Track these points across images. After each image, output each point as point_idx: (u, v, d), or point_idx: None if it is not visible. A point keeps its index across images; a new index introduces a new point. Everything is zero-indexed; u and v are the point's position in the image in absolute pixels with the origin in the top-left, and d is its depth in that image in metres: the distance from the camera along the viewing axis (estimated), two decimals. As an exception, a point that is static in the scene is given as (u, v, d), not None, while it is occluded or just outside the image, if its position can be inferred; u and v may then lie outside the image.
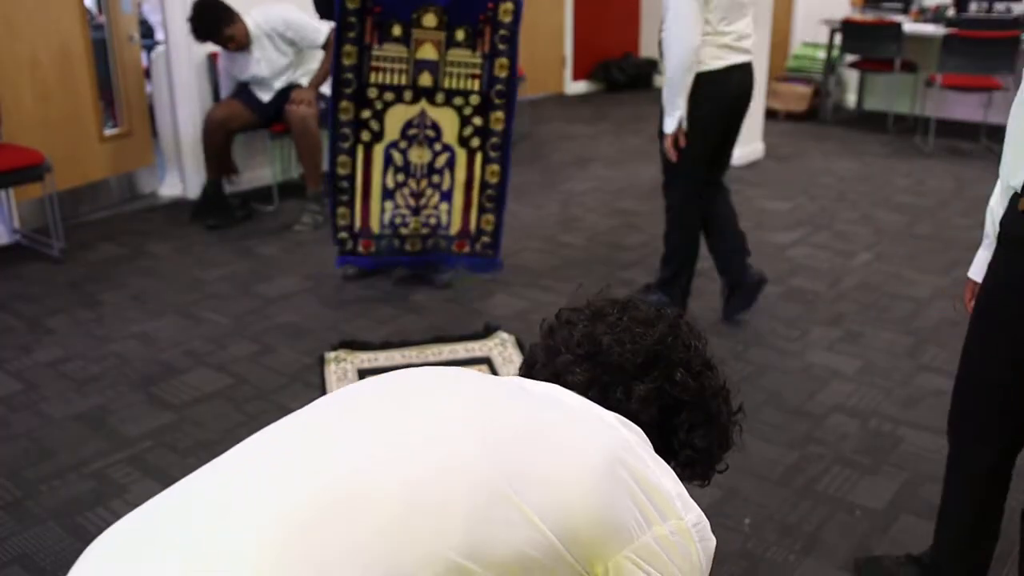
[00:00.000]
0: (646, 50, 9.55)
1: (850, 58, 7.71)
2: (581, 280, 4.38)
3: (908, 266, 4.58)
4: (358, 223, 4.14)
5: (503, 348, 3.64)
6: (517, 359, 3.54)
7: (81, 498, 2.76)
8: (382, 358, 3.55)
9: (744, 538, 2.57)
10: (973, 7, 7.01)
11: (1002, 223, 1.93)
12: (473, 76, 3.94)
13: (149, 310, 4.10)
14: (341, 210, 4.11)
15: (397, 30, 3.85)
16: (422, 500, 1.02)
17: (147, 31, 6.87)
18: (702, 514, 1.15)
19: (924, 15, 7.44)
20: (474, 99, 4.01)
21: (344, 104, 3.88)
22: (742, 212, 4.30)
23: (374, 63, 3.89)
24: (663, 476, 1.15)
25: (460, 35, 3.88)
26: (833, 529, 2.61)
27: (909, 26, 7.12)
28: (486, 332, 3.75)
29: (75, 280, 4.44)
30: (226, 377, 3.50)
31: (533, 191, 5.87)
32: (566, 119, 8.01)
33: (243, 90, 5.27)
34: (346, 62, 3.84)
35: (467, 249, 4.27)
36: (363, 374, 3.42)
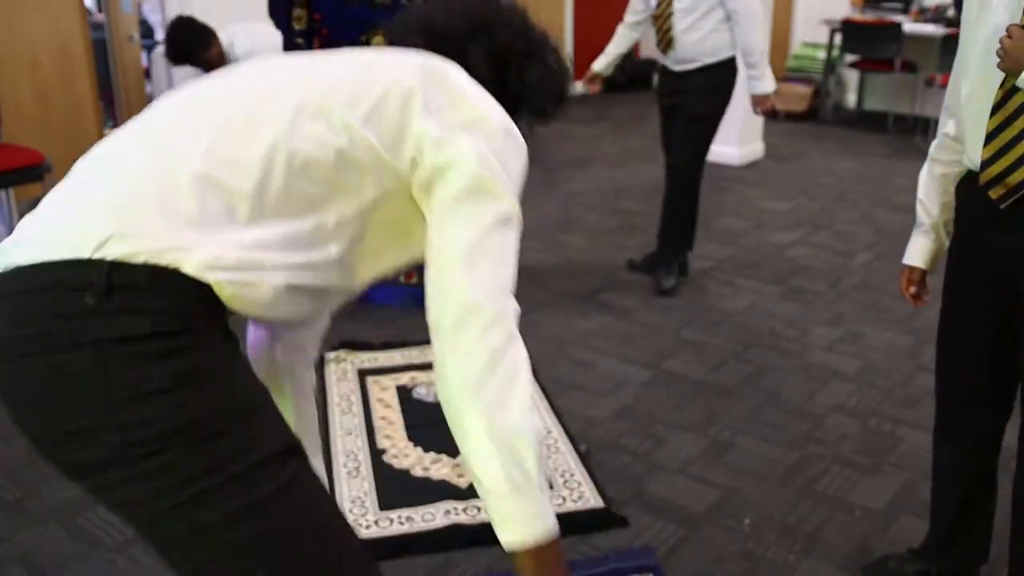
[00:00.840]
0: (646, 51, 9.54)
1: (850, 58, 7.71)
2: (581, 280, 4.39)
3: (908, 266, 4.58)
4: None
5: None
6: None
7: (81, 498, 2.75)
8: (382, 358, 3.55)
9: (744, 538, 2.57)
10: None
11: (962, 204, 2.04)
12: None
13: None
14: None
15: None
16: (258, 106, 1.25)
17: (147, 31, 6.88)
18: (508, 118, 1.37)
19: (924, 15, 7.44)
20: None
21: None
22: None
23: None
24: (470, 86, 1.35)
25: None
26: (833, 529, 2.61)
27: (909, 26, 7.12)
28: None
29: (75, 280, 4.44)
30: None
31: (533, 191, 5.86)
32: (566, 119, 7.96)
33: None
34: None
35: (414, 280, 3.93)
36: (364, 374, 3.42)
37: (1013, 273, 1.92)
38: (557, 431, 3.04)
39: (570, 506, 2.64)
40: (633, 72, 9.25)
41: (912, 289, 2.27)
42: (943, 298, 2.17)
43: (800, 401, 3.29)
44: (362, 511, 2.61)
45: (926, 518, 2.62)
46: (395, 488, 2.72)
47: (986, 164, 1.85)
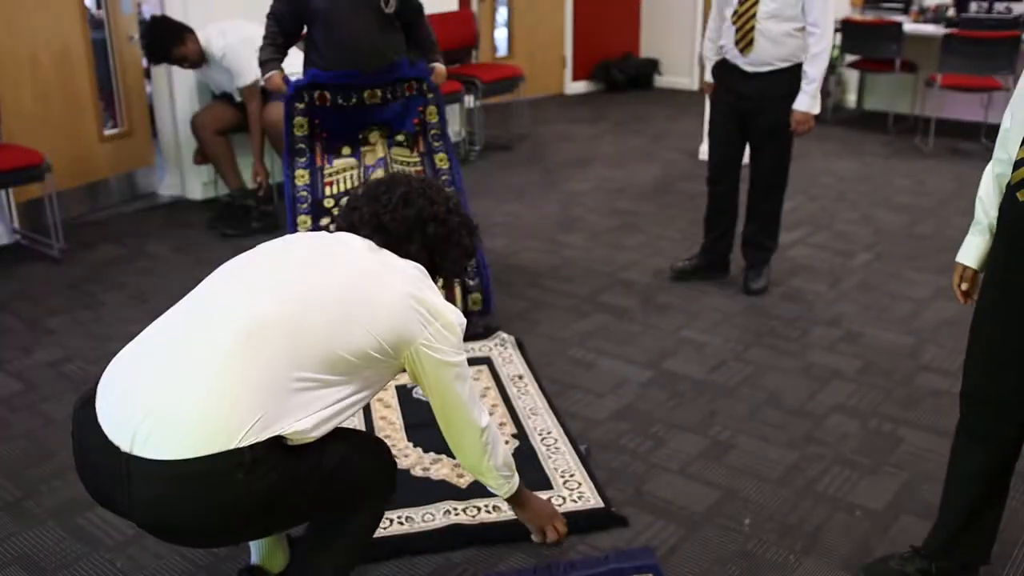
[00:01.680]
0: (646, 50, 9.55)
1: (850, 58, 7.70)
2: (581, 280, 4.39)
3: (908, 266, 4.58)
4: None
5: (503, 348, 3.62)
6: (517, 359, 3.53)
7: (81, 499, 2.74)
8: None
9: (744, 538, 2.56)
10: (973, 7, 7.01)
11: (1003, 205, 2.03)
12: (416, 171, 3.93)
13: (149, 310, 4.09)
14: None
15: (346, 149, 3.91)
16: (311, 320, 1.89)
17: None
18: (460, 314, 2.09)
19: (924, 15, 7.44)
20: None
21: (302, 218, 3.83)
22: (741, 213, 4.31)
23: (327, 179, 3.89)
24: (436, 297, 2.05)
25: (400, 137, 3.96)
26: (833, 529, 2.61)
27: (909, 26, 7.12)
28: (486, 332, 3.73)
29: (75, 280, 4.44)
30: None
31: (533, 191, 5.87)
32: (566, 119, 8.01)
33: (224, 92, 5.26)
34: (299, 183, 3.84)
35: None
36: None
37: None
38: (557, 431, 3.04)
39: (570, 506, 2.64)
40: (633, 72, 9.25)
41: (964, 286, 2.24)
42: (980, 293, 2.16)
43: (800, 401, 3.29)
44: None
45: (926, 518, 2.62)
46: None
47: (1019, 164, 1.83)
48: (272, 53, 3.87)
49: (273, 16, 3.86)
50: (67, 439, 3.04)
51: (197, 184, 5.70)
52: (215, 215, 5.29)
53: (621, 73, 9.22)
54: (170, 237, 5.04)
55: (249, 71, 4.90)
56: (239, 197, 5.26)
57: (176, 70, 5.39)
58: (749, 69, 3.90)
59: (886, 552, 2.49)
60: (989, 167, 2.11)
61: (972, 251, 2.19)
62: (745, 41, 3.84)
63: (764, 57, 3.84)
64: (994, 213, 2.09)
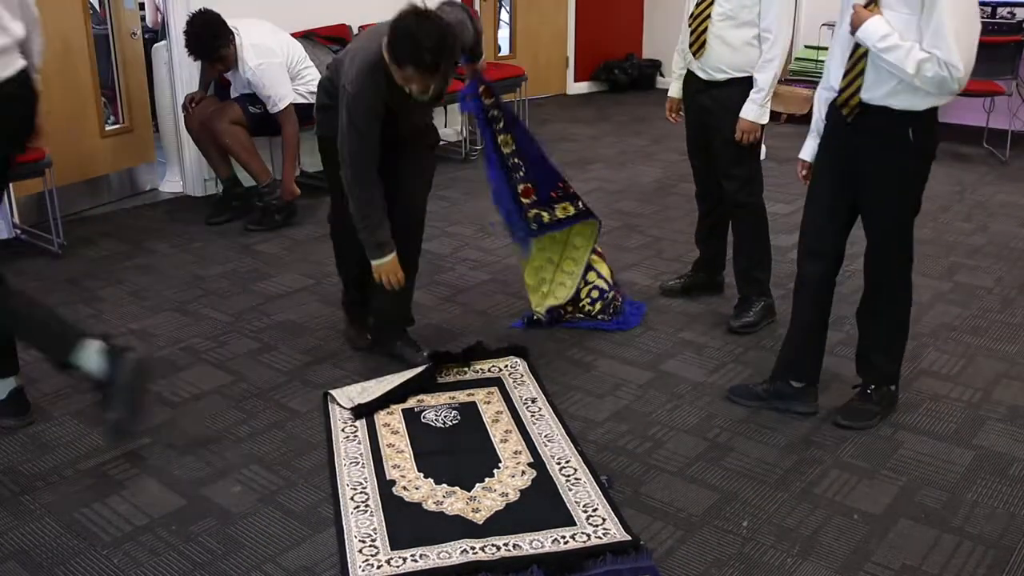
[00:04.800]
0: (649, 51, 9.54)
1: (852, 61, 7.69)
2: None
3: (908, 270, 4.57)
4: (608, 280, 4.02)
5: (514, 369, 3.49)
6: (529, 381, 3.40)
7: (78, 495, 2.75)
8: (386, 381, 3.36)
9: (742, 541, 2.56)
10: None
11: (829, 117, 3.03)
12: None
13: (148, 306, 4.09)
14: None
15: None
16: None
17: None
18: None
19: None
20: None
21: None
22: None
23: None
24: None
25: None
26: (831, 533, 2.60)
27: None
28: (496, 353, 3.59)
29: (74, 276, 4.44)
30: (224, 374, 3.49)
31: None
32: (568, 120, 8.00)
33: (224, 88, 5.23)
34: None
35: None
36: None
37: (855, 165, 2.95)
38: (576, 460, 2.89)
39: (595, 542, 2.50)
40: (636, 73, 9.25)
41: (804, 173, 3.19)
42: (812, 175, 3.13)
43: (799, 404, 3.28)
44: (372, 551, 2.48)
45: (925, 523, 2.63)
46: (407, 524, 2.59)
47: (839, 91, 2.91)
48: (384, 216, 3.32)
49: (364, 171, 3.22)
50: (65, 435, 3.05)
51: (198, 181, 5.69)
52: (212, 211, 5.28)
53: (623, 74, 9.21)
54: (170, 234, 5.03)
55: (283, 96, 4.98)
56: (231, 187, 5.26)
57: (178, 65, 5.39)
58: (704, 76, 3.74)
59: (885, 557, 2.49)
60: (819, 90, 3.08)
61: (808, 149, 3.16)
62: (698, 43, 3.69)
63: (717, 62, 3.67)
64: (823, 124, 3.07)
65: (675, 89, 4.02)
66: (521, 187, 3.76)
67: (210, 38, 4.80)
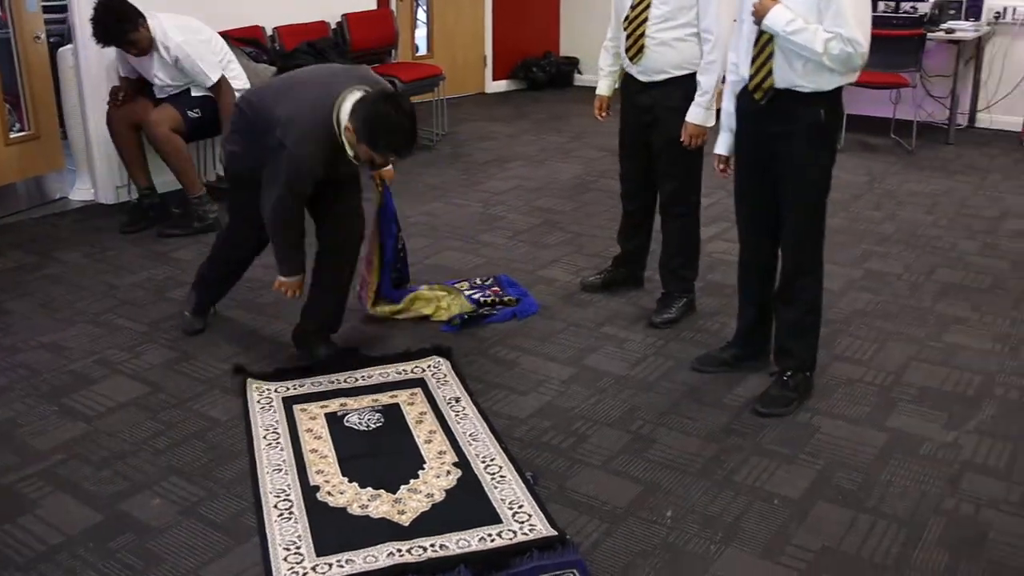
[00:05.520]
0: (566, 49, 9.60)
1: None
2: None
3: (822, 259, 4.68)
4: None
5: (436, 369, 3.48)
6: (452, 380, 3.40)
7: (-11, 515, 2.67)
8: (308, 384, 3.38)
9: (666, 531, 2.59)
10: (881, 6, 7.18)
11: (740, 105, 3.17)
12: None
13: (59, 318, 3.98)
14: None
15: None
16: None
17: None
18: None
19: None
20: None
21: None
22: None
23: None
24: None
25: None
26: (752, 518, 2.65)
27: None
28: (419, 353, 3.60)
29: (-19, 289, 4.30)
30: (141, 386, 3.41)
31: (454, 190, 5.85)
32: (487, 118, 8.00)
33: (146, 84, 5.10)
34: None
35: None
36: (289, 403, 3.24)
37: (769, 149, 3.10)
38: (501, 458, 2.90)
39: (522, 538, 2.51)
40: (553, 71, 9.29)
41: (721, 166, 3.33)
42: (735, 163, 3.28)
43: (719, 394, 3.34)
44: (297, 558, 2.45)
45: (843, 504, 2.70)
46: (332, 530, 2.57)
47: (750, 78, 3.05)
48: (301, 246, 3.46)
49: (294, 222, 3.33)
50: (-27, 454, 2.96)
51: (110, 188, 5.55)
52: (127, 219, 5.16)
53: (541, 72, 9.25)
54: (81, 243, 4.90)
55: (213, 66, 4.90)
56: (147, 197, 5.14)
57: (85, 70, 5.25)
58: (642, 78, 3.72)
59: (805, 540, 2.55)
60: (727, 83, 3.23)
61: (724, 144, 3.29)
62: (635, 48, 3.66)
63: (657, 65, 3.65)
64: (733, 117, 3.21)
65: (604, 87, 4.02)
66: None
67: (115, 22, 4.70)
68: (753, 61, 3.03)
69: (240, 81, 5.04)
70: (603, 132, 7.31)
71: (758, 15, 2.95)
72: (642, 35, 3.65)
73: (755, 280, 3.39)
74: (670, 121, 3.68)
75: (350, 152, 3.18)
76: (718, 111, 3.38)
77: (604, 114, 4.11)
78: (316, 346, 3.59)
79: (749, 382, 3.41)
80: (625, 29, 3.71)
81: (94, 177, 5.57)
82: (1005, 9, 7.10)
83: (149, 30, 4.80)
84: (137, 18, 4.76)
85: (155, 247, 4.82)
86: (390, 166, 3.71)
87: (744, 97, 3.13)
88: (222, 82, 4.92)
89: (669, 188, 3.86)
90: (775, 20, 2.91)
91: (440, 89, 7.08)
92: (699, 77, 3.62)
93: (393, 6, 7.87)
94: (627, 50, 3.72)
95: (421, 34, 8.64)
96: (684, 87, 3.65)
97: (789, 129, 3.04)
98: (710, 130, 3.63)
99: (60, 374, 3.49)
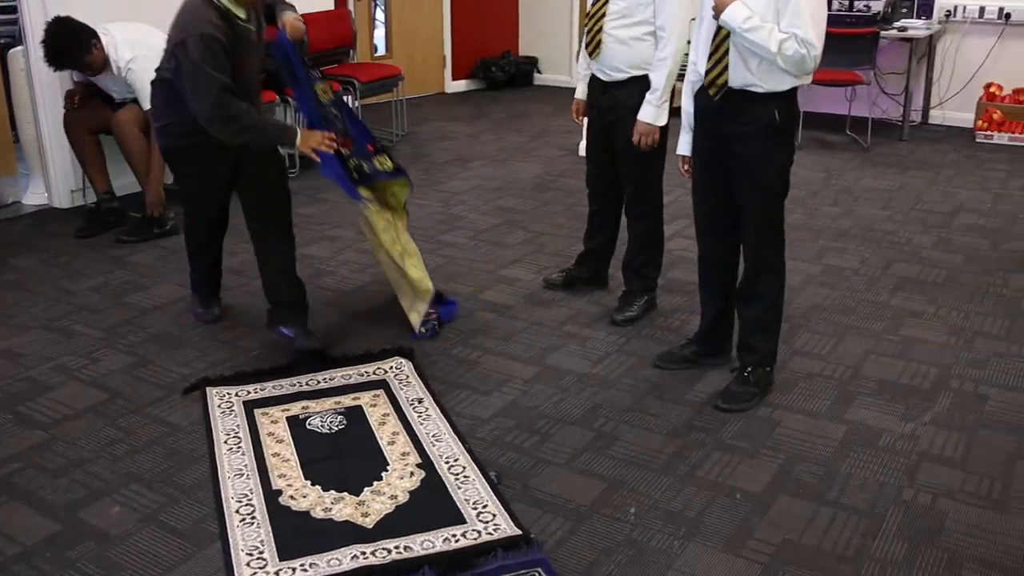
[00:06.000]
0: (525, 48, 9.61)
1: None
2: (463, 279, 4.39)
3: (781, 255, 4.72)
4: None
5: (399, 371, 3.47)
6: (415, 381, 3.39)
7: (-57, 526, 2.62)
8: (269, 387, 3.35)
9: (630, 527, 2.61)
10: (835, 4, 7.27)
11: (698, 102, 3.21)
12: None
13: (14, 325, 3.91)
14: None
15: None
16: None
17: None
18: None
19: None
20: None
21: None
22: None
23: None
24: None
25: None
26: (715, 513, 2.67)
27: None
28: (381, 355, 3.58)
29: (-68, 296, 4.22)
30: (99, 392, 3.37)
31: (415, 190, 5.83)
32: (447, 118, 7.99)
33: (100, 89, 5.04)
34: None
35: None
36: (250, 407, 3.21)
37: (726, 148, 3.13)
38: (464, 458, 2.89)
39: (486, 538, 2.51)
40: (513, 70, 9.30)
41: (686, 167, 3.35)
42: (692, 160, 3.31)
43: (681, 390, 3.36)
44: (260, 563, 2.43)
45: (803, 497, 2.73)
46: (295, 534, 2.55)
47: (706, 74, 3.08)
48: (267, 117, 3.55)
49: (230, 88, 3.28)
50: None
51: (65, 192, 5.47)
52: (83, 223, 5.09)
53: (501, 71, 9.26)
54: (36, 248, 4.82)
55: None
56: (106, 201, 5.08)
57: (37, 72, 5.17)
58: (604, 77, 3.75)
59: (766, 533, 2.57)
60: (687, 82, 3.24)
61: (685, 144, 3.32)
62: (593, 44, 3.70)
63: (614, 62, 3.67)
64: (693, 116, 3.24)
65: (580, 91, 4.03)
66: (340, 139, 3.63)
67: (65, 46, 4.60)
68: (709, 57, 3.07)
69: None
70: (563, 131, 7.34)
71: (717, 10, 2.98)
72: (600, 31, 3.68)
73: (716, 278, 3.41)
74: (630, 122, 3.69)
75: (240, 12, 3.33)
76: (677, 110, 3.39)
77: (580, 118, 4.11)
78: (285, 323, 3.63)
79: (710, 378, 3.43)
80: (585, 25, 3.75)
81: (48, 181, 5.49)
82: (955, 7, 7.22)
83: (103, 48, 4.71)
84: (90, 39, 4.66)
85: (112, 252, 4.75)
86: (296, 18, 3.59)
87: (702, 96, 3.15)
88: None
89: (631, 188, 3.89)
90: (733, 16, 2.94)
91: (399, 89, 7.06)
92: (650, 74, 3.64)
93: (351, 6, 7.84)
94: (587, 46, 3.76)
95: (380, 34, 8.61)
96: (644, 87, 3.65)
97: (746, 129, 3.07)
98: (672, 130, 3.64)
99: (16, 381, 3.43)
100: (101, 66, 4.76)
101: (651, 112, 3.64)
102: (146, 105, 4.75)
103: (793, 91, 3.07)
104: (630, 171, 3.84)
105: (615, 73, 3.71)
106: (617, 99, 3.73)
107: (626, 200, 3.95)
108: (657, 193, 3.92)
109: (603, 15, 3.66)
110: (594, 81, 3.85)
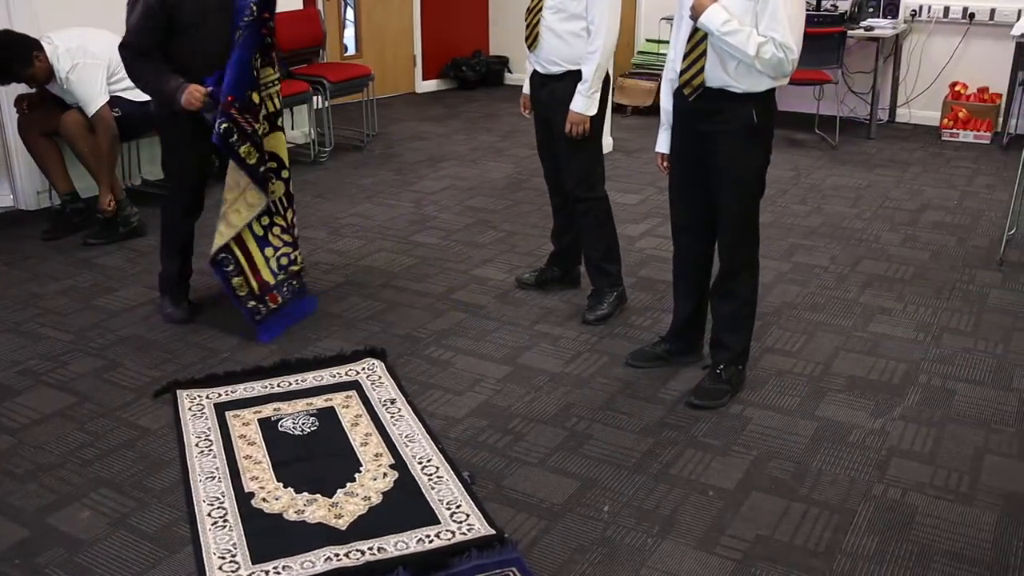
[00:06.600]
0: (496, 47, 9.61)
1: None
2: (435, 279, 4.38)
3: (751, 253, 4.75)
4: (255, 284, 3.77)
5: (371, 372, 3.46)
6: (388, 382, 3.38)
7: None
8: (240, 390, 3.33)
9: (603, 526, 2.61)
10: (802, 4, 7.33)
11: (676, 102, 3.23)
12: (277, 94, 3.78)
13: (-20, 329, 3.86)
14: (236, 281, 3.72)
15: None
16: None
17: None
18: None
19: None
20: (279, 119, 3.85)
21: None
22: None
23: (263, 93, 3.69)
24: None
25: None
26: (688, 510, 2.69)
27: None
28: (353, 356, 3.58)
29: None
30: (67, 396, 3.33)
31: (386, 191, 5.82)
32: (418, 118, 7.97)
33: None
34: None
35: None
36: (221, 409, 3.19)
37: (703, 148, 3.15)
38: (437, 458, 2.89)
39: (460, 538, 2.51)
40: (484, 70, 9.30)
41: (665, 164, 3.37)
42: (670, 160, 3.33)
43: (653, 388, 3.38)
44: (233, 567, 2.41)
45: (775, 493, 2.74)
46: (268, 537, 2.53)
47: (681, 74, 3.10)
48: (165, 71, 3.58)
49: (134, 46, 3.54)
50: None
51: (31, 194, 5.40)
52: (49, 226, 5.03)
53: (471, 71, 9.25)
54: (2, 251, 4.75)
55: (93, 98, 4.71)
56: (70, 202, 5.02)
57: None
58: (541, 70, 3.80)
59: (739, 530, 2.59)
60: (664, 81, 3.29)
61: (664, 142, 3.35)
62: (532, 36, 3.76)
63: (551, 55, 3.71)
64: (671, 115, 3.26)
65: (527, 85, 4.07)
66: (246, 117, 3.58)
67: (5, 63, 4.53)
68: (685, 57, 3.08)
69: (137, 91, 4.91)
70: (534, 131, 7.33)
71: (695, 13, 2.98)
72: (537, 23, 3.73)
73: (690, 276, 3.43)
74: (564, 116, 3.73)
75: None
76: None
77: (527, 111, 4.13)
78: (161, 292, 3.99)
79: (683, 376, 3.45)
80: (525, 18, 3.80)
81: (13, 183, 5.41)
82: (921, 7, 7.30)
83: (46, 59, 4.64)
84: (31, 52, 4.59)
85: (79, 254, 4.70)
86: None
87: (680, 95, 3.17)
88: (101, 116, 4.74)
89: (572, 182, 3.89)
90: (711, 19, 2.95)
91: (370, 89, 7.03)
92: (582, 67, 3.68)
93: (320, 6, 7.79)
94: (526, 38, 3.81)
95: (349, 34, 8.57)
96: (576, 81, 3.70)
97: (723, 129, 3.09)
98: (653, 130, 3.66)
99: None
100: (46, 77, 4.68)
101: (581, 102, 3.69)
102: (90, 112, 4.73)
103: (771, 92, 3.09)
104: (569, 164, 3.86)
105: (552, 67, 3.76)
106: (553, 92, 3.78)
107: (570, 195, 3.93)
108: (600, 184, 3.91)
109: (540, 8, 3.72)
110: (534, 75, 3.91)
